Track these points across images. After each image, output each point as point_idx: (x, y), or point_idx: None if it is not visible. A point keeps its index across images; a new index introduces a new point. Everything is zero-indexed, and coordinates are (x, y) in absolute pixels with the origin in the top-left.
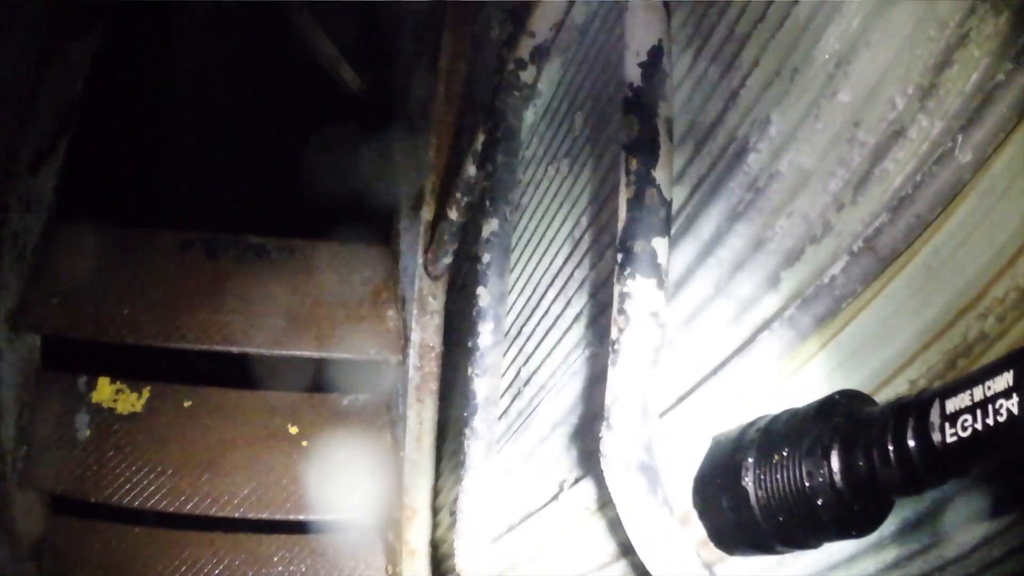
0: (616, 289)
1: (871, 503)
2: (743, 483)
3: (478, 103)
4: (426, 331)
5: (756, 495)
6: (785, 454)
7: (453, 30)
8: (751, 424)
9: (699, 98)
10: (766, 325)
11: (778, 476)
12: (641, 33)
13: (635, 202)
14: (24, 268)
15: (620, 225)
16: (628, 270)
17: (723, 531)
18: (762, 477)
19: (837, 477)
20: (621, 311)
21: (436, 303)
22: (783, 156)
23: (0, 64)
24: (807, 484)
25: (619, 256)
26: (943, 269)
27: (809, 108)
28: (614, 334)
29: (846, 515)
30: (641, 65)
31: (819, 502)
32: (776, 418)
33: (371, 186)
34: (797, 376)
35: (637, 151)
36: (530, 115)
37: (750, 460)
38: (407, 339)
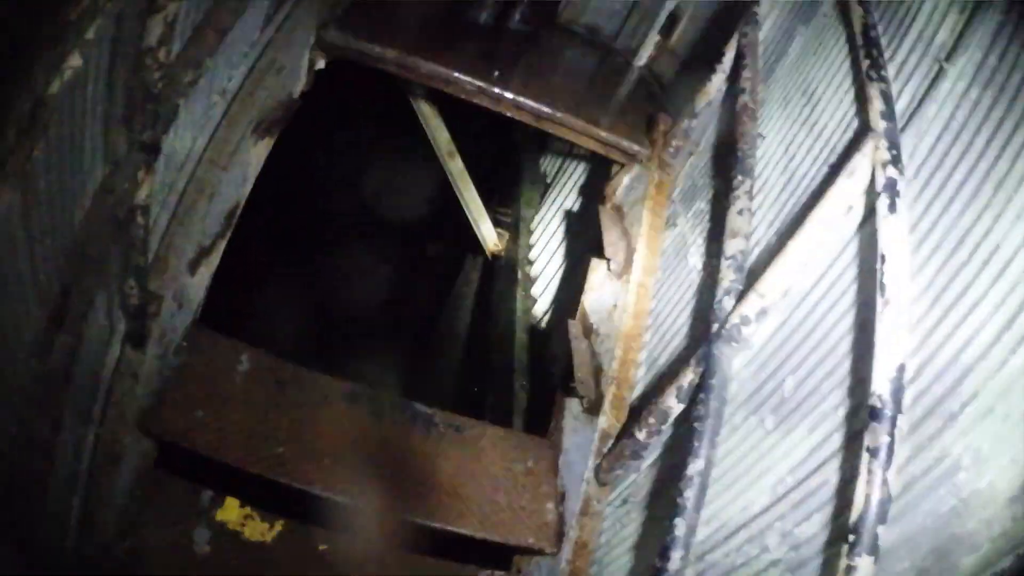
0: (843, 562)
1: None
2: None
3: (669, 326)
4: (585, 531)
5: None
6: None
7: (647, 242)
8: None
9: (919, 411)
10: None
11: None
12: (891, 349)
13: (871, 497)
14: (165, 368)
15: (855, 512)
16: (857, 549)
17: None
18: None
19: None
20: None
21: (600, 507)
22: (984, 475)
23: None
24: None
25: (851, 537)
26: None
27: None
28: None
29: None
30: (890, 381)
31: None
32: None
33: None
34: None
35: (877, 456)
36: (737, 361)
37: None
38: (563, 533)
